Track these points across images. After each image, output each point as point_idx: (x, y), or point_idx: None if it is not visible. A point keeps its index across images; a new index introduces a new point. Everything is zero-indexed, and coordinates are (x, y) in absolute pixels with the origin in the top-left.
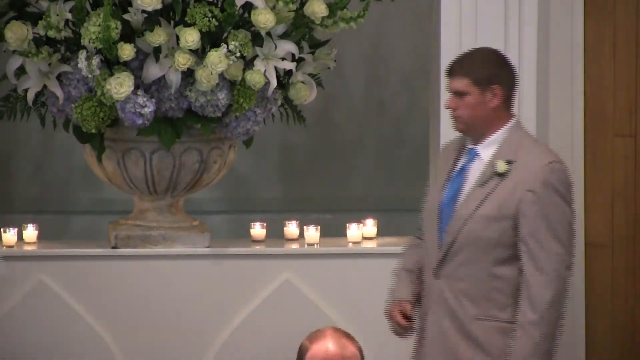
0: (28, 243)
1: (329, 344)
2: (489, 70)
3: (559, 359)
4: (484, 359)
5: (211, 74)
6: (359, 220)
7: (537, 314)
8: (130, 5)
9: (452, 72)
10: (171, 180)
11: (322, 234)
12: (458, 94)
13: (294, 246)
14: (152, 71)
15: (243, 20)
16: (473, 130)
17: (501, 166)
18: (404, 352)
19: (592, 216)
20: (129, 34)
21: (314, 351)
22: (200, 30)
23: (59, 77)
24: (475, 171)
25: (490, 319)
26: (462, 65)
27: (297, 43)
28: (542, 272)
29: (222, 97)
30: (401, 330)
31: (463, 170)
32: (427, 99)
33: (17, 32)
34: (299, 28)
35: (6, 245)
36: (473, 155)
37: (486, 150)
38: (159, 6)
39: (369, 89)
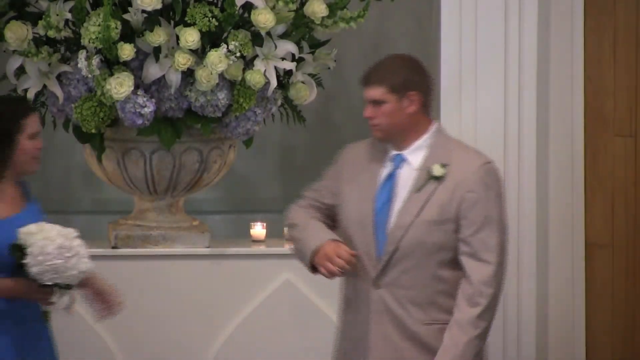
0: None
1: None
2: (405, 77)
3: (559, 358)
4: (429, 357)
5: (211, 74)
6: None
7: (477, 311)
8: (130, 5)
9: (367, 81)
10: (171, 180)
11: None
12: (375, 102)
13: None
14: (152, 71)
15: (243, 20)
16: (393, 138)
17: (438, 170)
18: None
19: (592, 216)
20: (129, 34)
21: None
22: (200, 30)
23: (58, 77)
24: (406, 177)
25: (437, 322)
26: (377, 74)
27: (297, 43)
28: (485, 272)
29: (222, 97)
30: (345, 270)
31: (391, 177)
32: None
33: (17, 32)
34: (299, 28)
35: None
36: (400, 161)
37: (414, 155)
38: (159, 6)
39: None
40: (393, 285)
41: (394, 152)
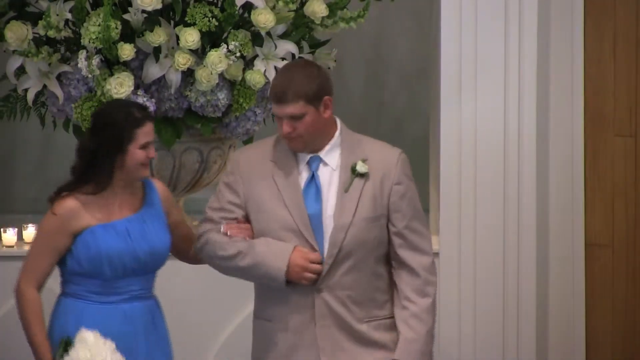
0: (28, 243)
1: None
2: (317, 85)
3: (559, 358)
4: (380, 353)
5: (211, 74)
6: None
7: (430, 300)
8: (130, 5)
9: (282, 98)
10: (171, 180)
11: None
12: (294, 117)
13: None
14: (152, 71)
15: (243, 20)
16: (312, 145)
17: (362, 167)
18: None
19: (592, 216)
20: (129, 34)
21: None
22: (200, 30)
23: (59, 77)
24: (328, 178)
25: (374, 319)
26: (291, 89)
27: (297, 43)
28: (425, 260)
29: (222, 97)
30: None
31: (313, 180)
32: (427, 99)
33: (17, 32)
34: (299, 28)
35: (6, 245)
36: (317, 163)
37: (330, 156)
38: (159, 6)
39: (369, 89)
40: (335, 287)
41: (309, 155)
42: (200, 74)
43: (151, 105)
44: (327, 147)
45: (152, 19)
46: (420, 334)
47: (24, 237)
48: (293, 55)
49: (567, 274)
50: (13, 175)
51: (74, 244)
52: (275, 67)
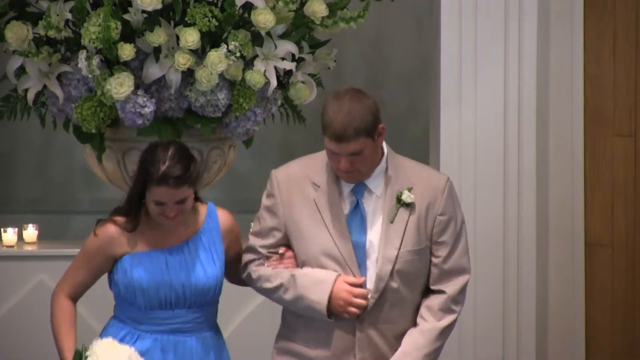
0: (28, 243)
1: None
2: (373, 115)
3: (559, 357)
4: None
5: (211, 74)
6: None
7: (445, 322)
8: (130, 5)
9: (343, 137)
10: None
11: None
12: (354, 154)
13: None
14: (152, 71)
15: (243, 20)
16: (368, 175)
17: (408, 196)
18: None
19: (592, 216)
20: (129, 34)
21: None
22: (200, 30)
23: (59, 77)
24: (373, 207)
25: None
26: (351, 126)
27: (297, 43)
28: (458, 282)
29: (222, 97)
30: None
31: (358, 208)
32: (427, 99)
33: (17, 32)
34: (299, 28)
35: (6, 245)
36: (363, 190)
37: (375, 182)
38: (159, 6)
39: (368, 89)
40: (379, 321)
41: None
42: (200, 74)
43: (151, 105)
44: (374, 174)
45: (152, 19)
46: (419, 352)
47: (24, 237)
48: (293, 55)
49: (567, 273)
50: (13, 175)
51: (114, 268)
52: (275, 67)
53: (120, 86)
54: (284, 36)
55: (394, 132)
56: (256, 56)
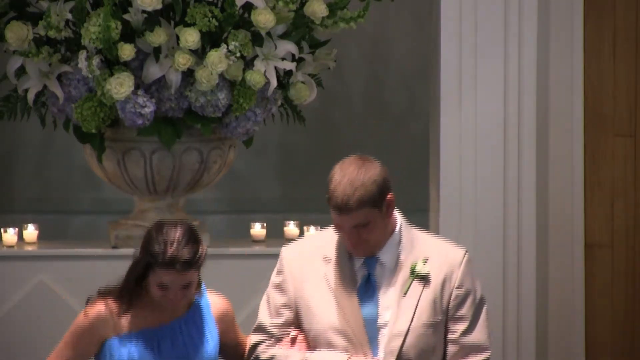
0: (28, 243)
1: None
2: (376, 187)
3: (558, 358)
4: None
5: (211, 74)
6: None
7: None
8: (130, 5)
9: (344, 208)
10: (171, 180)
11: None
12: (358, 226)
13: None
14: (152, 71)
15: (243, 20)
16: (379, 248)
17: (423, 268)
18: None
19: (592, 216)
20: (129, 34)
21: None
22: (200, 31)
23: (59, 77)
24: (384, 280)
25: None
26: (353, 196)
27: (297, 43)
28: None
29: (222, 97)
30: None
31: (369, 282)
32: (427, 99)
33: (18, 32)
34: (299, 28)
35: (6, 245)
36: (374, 263)
37: (388, 254)
38: (159, 6)
39: (368, 89)
40: None
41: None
42: (201, 74)
43: (151, 105)
44: (386, 246)
45: (152, 19)
46: None
47: (24, 237)
48: (293, 55)
49: (567, 273)
50: (13, 175)
51: (101, 350)
52: (275, 67)
53: (120, 86)
54: (284, 36)
55: (394, 132)
56: (256, 56)
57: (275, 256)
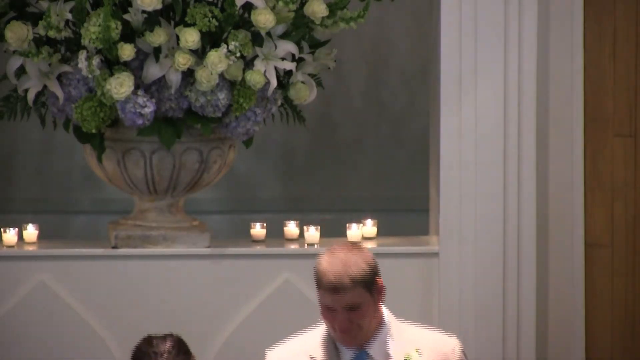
0: (28, 243)
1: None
2: (369, 267)
3: (558, 358)
4: None
5: (211, 74)
6: (359, 220)
7: None
8: (130, 5)
9: (338, 287)
10: (171, 180)
11: (322, 234)
12: (351, 308)
13: (294, 246)
14: (152, 71)
15: (243, 20)
16: (365, 337)
17: (417, 358)
18: None
19: (592, 216)
20: (129, 34)
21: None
22: (200, 31)
23: (59, 77)
24: None
25: None
26: (347, 275)
27: (297, 43)
28: None
29: (222, 97)
30: None
31: None
32: (427, 99)
33: (18, 32)
34: (299, 28)
35: (6, 245)
36: (364, 357)
37: (377, 348)
38: (159, 6)
39: (368, 89)
40: None
41: (353, 350)
42: (201, 74)
43: (151, 105)
44: (374, 339)
45: (152, 19)
46: None
47: (24, 237)
48: (293, 55)
49: (567, 274)
50: (13, 175)
51: None
52: (275, 67)
53: (120, 86)
54: (284, 36)
55: (394, 132)
56: (256, 56)
57: (275, 256)
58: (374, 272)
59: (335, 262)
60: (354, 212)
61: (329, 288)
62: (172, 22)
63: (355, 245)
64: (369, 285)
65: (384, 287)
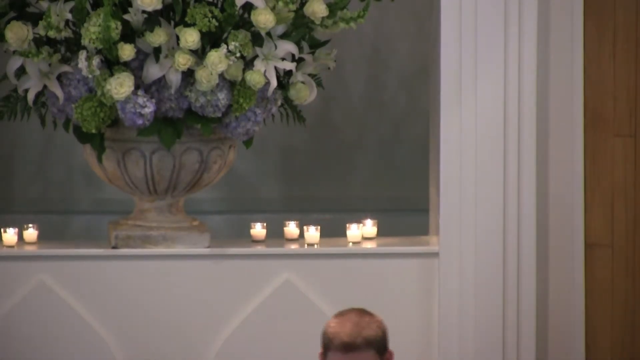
0: (28, 243)
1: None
2: (381, 332)
3: (558, 358)
4: None
5: (211, 74)
6: (359, 220)
7: None
8: (130, 5)
9: (351, 346)
10: (171, 181)
11: (322, 234)
12: None
13: (294, 246)
14: (152, 71)
15: (243, 21)
16: None
17: None
18: (406, 351)
19: (592, 216)
20: (129, 34)
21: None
22: (200, 31)
23: (59, 77)
24: None
25: None
26: (361, 335)
27: (297, 43)
28: None
29: (222, 97)
30: None
31: None
32: (427, 100)
33: (17, 32)
34: (299, 28)
35: (6, 245)
36: None
37: None
38: (159, 6)
39: (368, 90)
40: None
41: None
42: (201, 74)
43: (151, 106)
44: None
45: (152, 19)
46: None
47: (24, 237)
48: (293, 55)
49: (567, 273)
50: (13, 175)
51: None
52: (275, 68)
53: (120, 86)
54: (284, 36)
55: (393, 133)
56: (256, 56)
57: (275, 256)
58: (385, 339)
59: (348, 325)
60: (354, 212)
61: (340, 347)
62: (172, 22)
63: (364, 310)
64: (382, 350)
65: (392, 355)
